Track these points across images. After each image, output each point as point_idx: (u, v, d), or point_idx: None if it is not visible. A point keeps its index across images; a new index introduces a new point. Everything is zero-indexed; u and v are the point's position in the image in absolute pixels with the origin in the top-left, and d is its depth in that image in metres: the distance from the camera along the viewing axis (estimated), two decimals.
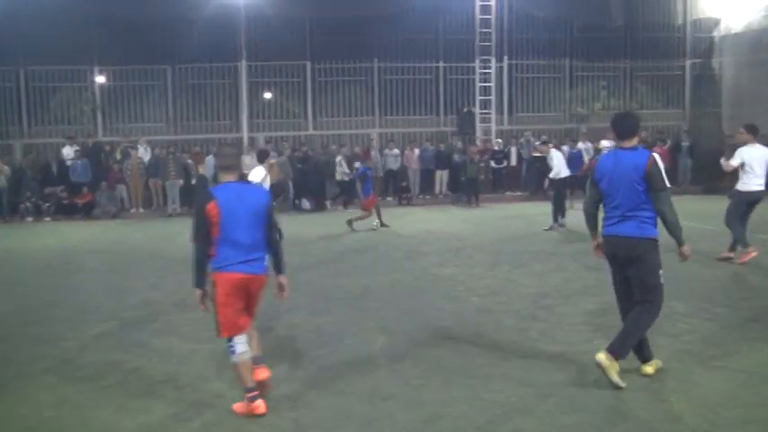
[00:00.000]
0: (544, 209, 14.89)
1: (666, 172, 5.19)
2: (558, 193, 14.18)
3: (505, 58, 23.26)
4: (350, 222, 14.67)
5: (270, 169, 11.11)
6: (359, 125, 23.03)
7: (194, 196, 17.93)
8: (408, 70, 23.01)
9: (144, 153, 20.06)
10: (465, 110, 22.47)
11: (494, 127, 22.72)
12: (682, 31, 24.05)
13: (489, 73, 22.60)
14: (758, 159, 9.39)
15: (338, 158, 19.91)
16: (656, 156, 5.16)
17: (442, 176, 21.51)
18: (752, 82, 23.23)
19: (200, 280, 4.74)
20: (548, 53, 23.45)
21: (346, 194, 19.62)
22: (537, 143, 20.73)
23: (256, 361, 4.95)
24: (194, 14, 20.25)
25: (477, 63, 22.62)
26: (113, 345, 6.65)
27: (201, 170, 17.12)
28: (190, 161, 19.34)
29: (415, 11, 21.98)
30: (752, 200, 9.56)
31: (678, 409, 4.65)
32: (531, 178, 21.37)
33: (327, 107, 23.03)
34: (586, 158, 19.17)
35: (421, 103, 23.28)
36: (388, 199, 20.74)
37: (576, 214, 15.80)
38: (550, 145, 15.37)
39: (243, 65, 22.02)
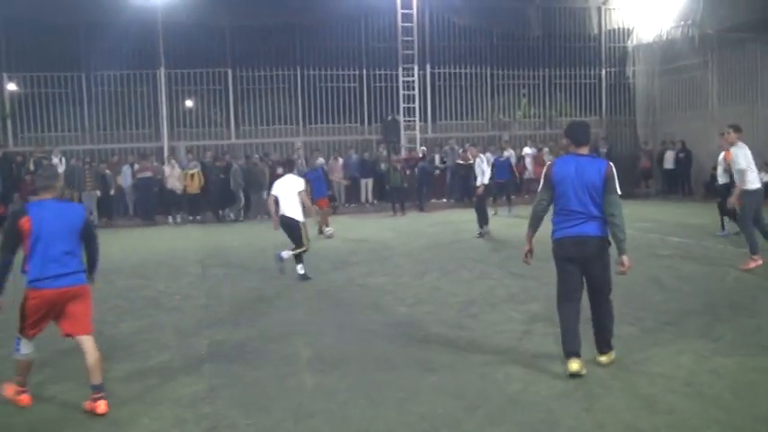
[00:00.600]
0: (469, 216, 15.00)
1: None
2: (481, 200, 14.29)
3: (428, 65, 23.48)
4: (320, 231, 14.76)
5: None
6: (282, 133, 22.75)
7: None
8: (332, 78, 22.93)
9: (58, 164, 19.22)
10: (389, 118, 22.52)
11: (418, 135, 22.86)
12: (597, 40, 24.83)
13: (412, 81, 22.75)
14: (750, 156, 9.33)
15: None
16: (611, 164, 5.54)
17: (367, 185, 21.49)
18: (663, 90, 24.26)
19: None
20: (469, 61, 23.85)
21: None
22: (461, 150, 21.03)
23: (97, 389, 5.03)
24: (109, 20, 19.60)
25: (400, 71, 22.73)
26: None
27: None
28: (108, 171, 18.63)
29: (337, 18, 21.95)
30: (760, 198, 9.47)
31: (601, 417, 4.68)
32: (456, 186, 21.62)
33: (250, 115, 22.67)
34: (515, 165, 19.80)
35: (345, 112, 23.21)
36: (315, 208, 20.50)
37: (499, 220, 16.07)
38: (479, 148, 15.58)
39: (162, 72, 21.45)
